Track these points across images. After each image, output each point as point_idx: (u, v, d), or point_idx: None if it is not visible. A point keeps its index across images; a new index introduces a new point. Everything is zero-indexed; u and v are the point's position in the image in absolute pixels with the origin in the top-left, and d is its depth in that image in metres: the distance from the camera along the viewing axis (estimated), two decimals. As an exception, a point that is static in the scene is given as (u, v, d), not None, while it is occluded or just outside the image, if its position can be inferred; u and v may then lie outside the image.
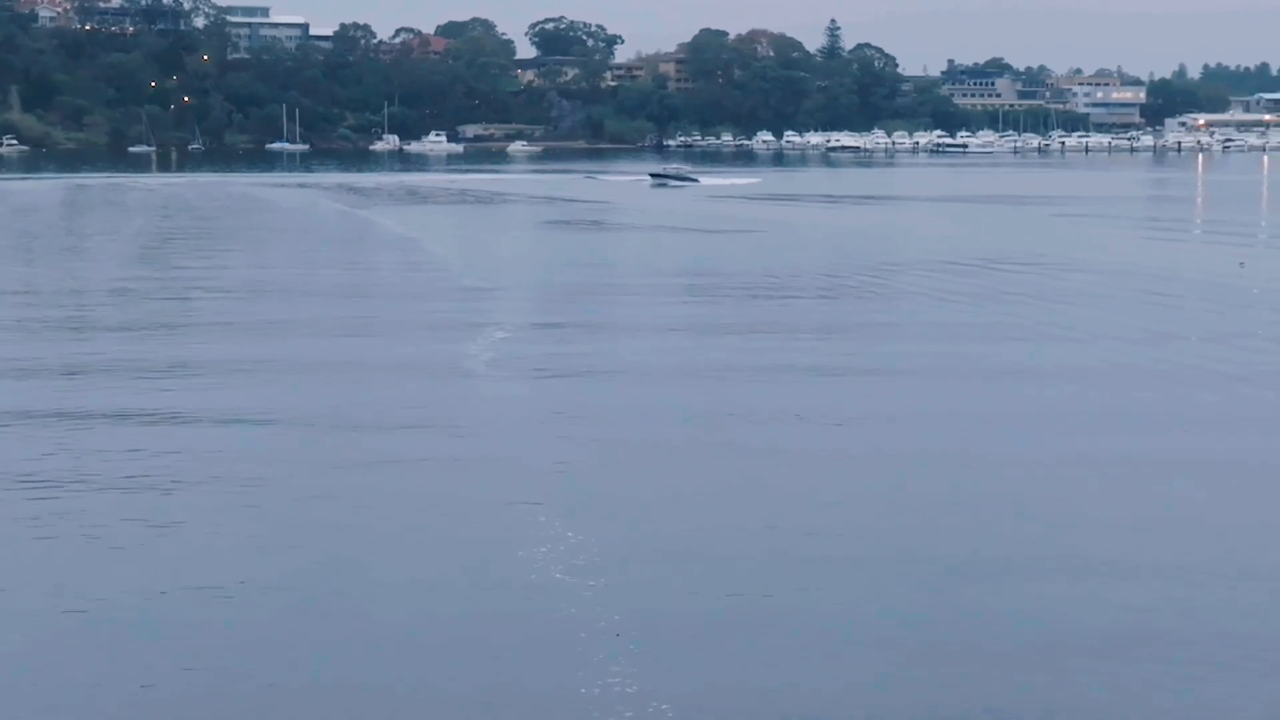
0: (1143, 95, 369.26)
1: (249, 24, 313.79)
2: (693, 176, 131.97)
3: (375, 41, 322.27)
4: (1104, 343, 31.79)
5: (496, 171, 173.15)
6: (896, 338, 33.17)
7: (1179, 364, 28.97)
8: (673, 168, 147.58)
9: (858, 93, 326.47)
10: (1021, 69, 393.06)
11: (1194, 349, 30.96)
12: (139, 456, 20.81)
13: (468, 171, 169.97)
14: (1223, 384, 26.57)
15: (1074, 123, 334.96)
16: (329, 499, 18.64)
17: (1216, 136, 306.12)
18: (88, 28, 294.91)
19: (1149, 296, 41.05)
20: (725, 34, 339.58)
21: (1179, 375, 27.64)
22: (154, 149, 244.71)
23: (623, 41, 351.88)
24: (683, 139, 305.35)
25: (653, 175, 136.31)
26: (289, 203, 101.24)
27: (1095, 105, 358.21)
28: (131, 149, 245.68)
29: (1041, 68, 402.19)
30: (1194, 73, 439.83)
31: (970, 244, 59.43)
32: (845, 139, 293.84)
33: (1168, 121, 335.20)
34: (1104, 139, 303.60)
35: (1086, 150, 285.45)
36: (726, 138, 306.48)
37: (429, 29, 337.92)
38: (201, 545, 16.70)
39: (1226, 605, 14.67)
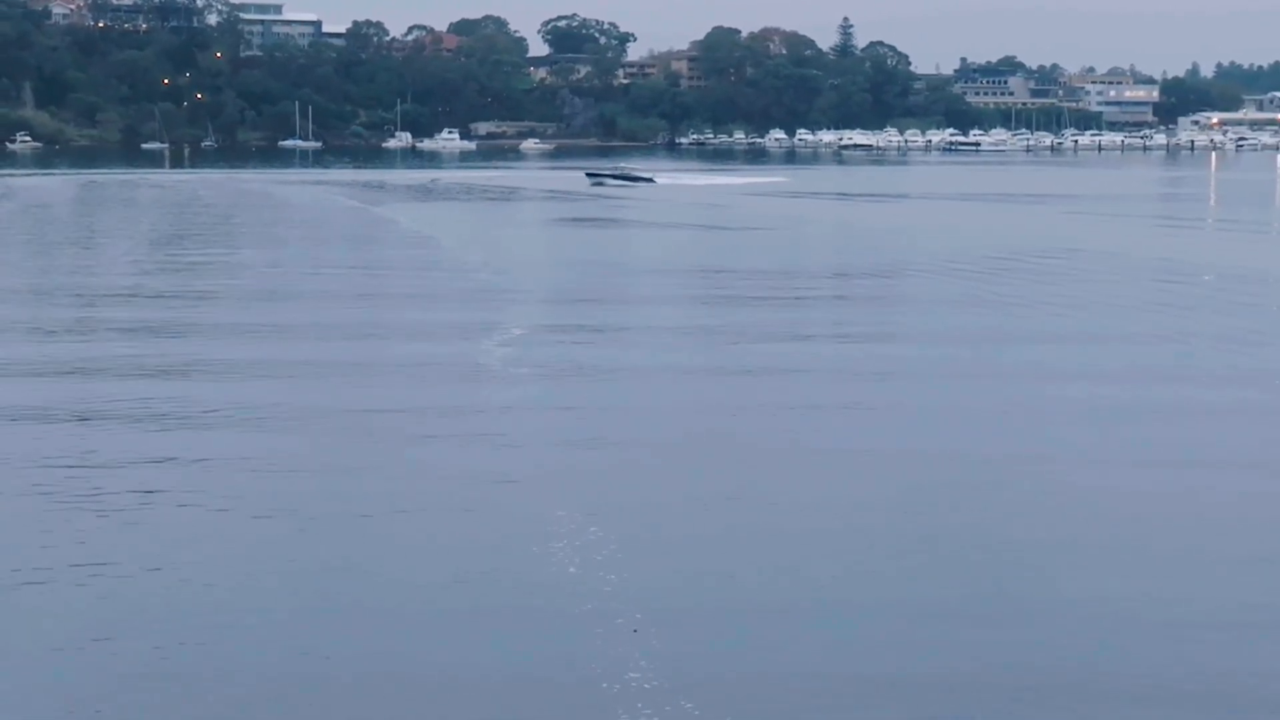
0: (1156, 94, 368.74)
1: (262, 21, 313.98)
2: (644, 176, 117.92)
3: (388, 39, 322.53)
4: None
5: (506, 168, 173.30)
6: (945, 317, 33.42)
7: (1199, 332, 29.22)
8: (619, 167, 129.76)
9: (870, 91, 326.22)
10: (1034, 67, 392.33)
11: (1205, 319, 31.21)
12: (147, 411, 20.89)
13: (476, 169, 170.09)
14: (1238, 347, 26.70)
15: (1087, 121, 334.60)
16: (343, 496, 18.59)
17: (1230, 135, 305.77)
18: (101, 25, 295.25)
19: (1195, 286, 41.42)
20: (738, 32, 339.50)
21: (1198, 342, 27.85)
22: (167, 146, 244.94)
23: (635, 39, 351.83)
24: (695, 137, 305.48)
25: (590, 175, 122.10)
26: (304, 199, 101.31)
27: (1108, 104, 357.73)
28: (144, 146, 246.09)
29: (1054, 66, 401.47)
30: (1207, 71, 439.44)
31: (1009, 238, 60.36)
32: (858, 137, 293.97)
33: (1181, 120, 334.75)
34: (1117, 137, 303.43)
35: (1099, 149, 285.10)
36: (739, 135, 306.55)
37: (441, 26, 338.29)
38: (205, 551, 16.68)
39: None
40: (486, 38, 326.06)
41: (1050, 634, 13.71)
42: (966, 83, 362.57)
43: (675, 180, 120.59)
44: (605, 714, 11.90)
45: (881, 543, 16.62)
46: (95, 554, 16.11)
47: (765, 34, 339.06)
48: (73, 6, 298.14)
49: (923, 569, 15.66)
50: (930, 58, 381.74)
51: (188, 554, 16.12)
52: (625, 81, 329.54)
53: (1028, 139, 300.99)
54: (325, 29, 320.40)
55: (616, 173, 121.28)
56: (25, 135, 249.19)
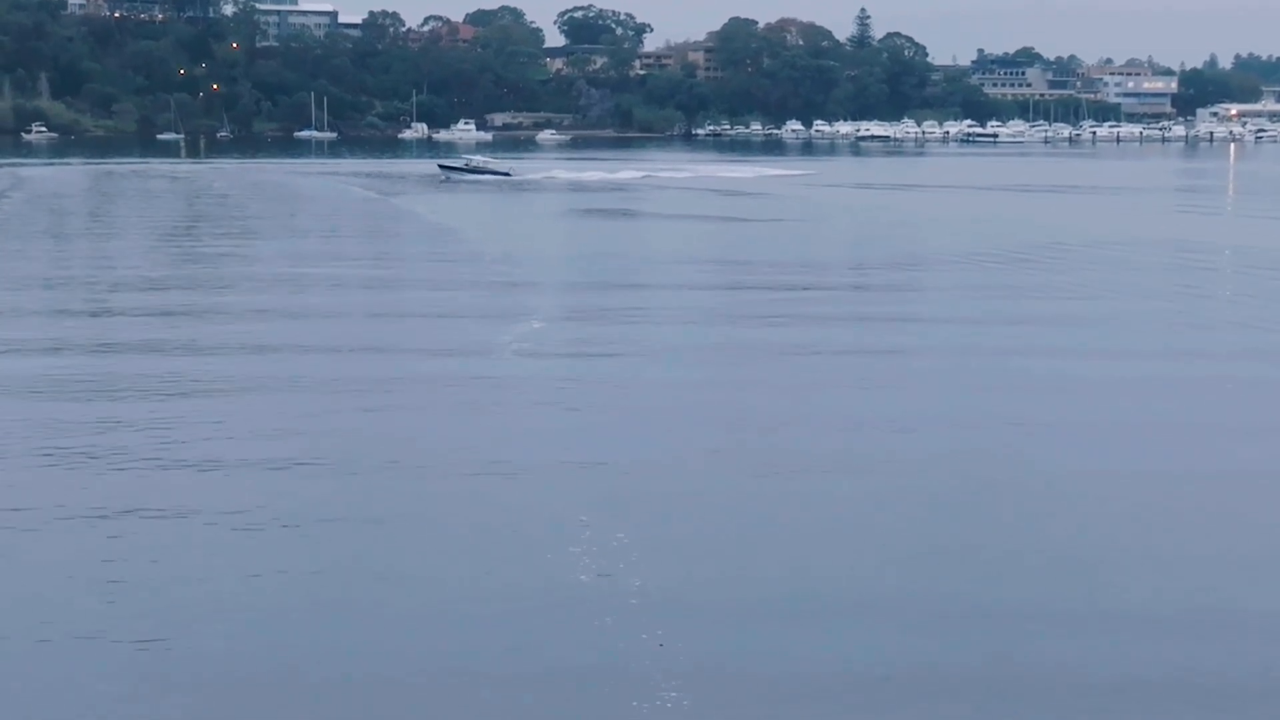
0: (1174, 85, 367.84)
1: (278, 11, 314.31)
2: (499, 169, 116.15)
3: (404, 29, 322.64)
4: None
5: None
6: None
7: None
8: (470, 160, 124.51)
9: (887, 82, 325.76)
10: (1052, 59, 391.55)
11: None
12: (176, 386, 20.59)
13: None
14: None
15: (1105, 113, 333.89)
16: (367, 496, 18.39)
17: (1249, 127, 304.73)
18: (117, 15, 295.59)
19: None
20: (754, 23, 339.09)
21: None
22: (182, 136, 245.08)
23: (652, 30, 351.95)
24: (711, 128, 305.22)
25: (442, 166, 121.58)
26: (322, 189, 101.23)
27: (1126, 95, 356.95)
28: (160, 136, 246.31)
29: (1072, 58, 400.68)
30: (1225, 63, 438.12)
31: (1042, 227, 60.68)
32: (875, 128, 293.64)
33: (1199, 112, 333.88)
34: (1135, 129, 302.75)
35: (1118, 140, 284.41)
36: (755, 127, 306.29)
37: (458, 17, 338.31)
38: (205, 556, 16.37)
39: None
40: (503, 28, 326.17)
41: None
42: (984, 74, 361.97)
43: (552, 175, 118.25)
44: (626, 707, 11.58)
45: (902, 542, 16.29)
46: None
47: (782, 25, 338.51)
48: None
49: (946, 569, 15.43)
50: (947, 49, 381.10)
51: (190, 556, 15.87)
52: (642, 72, 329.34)
53: (1045, 130, 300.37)
54: (341, 19, 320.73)
55: (468, 165, 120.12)
56: (41, 126, 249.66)
